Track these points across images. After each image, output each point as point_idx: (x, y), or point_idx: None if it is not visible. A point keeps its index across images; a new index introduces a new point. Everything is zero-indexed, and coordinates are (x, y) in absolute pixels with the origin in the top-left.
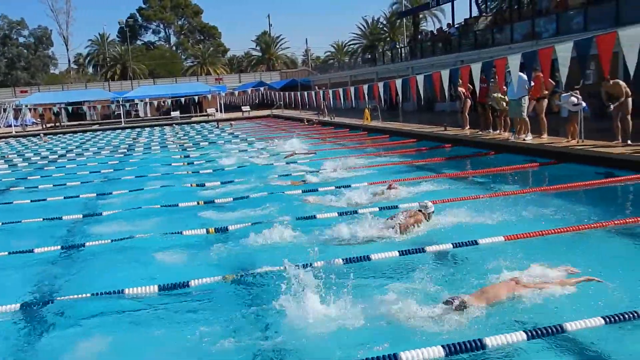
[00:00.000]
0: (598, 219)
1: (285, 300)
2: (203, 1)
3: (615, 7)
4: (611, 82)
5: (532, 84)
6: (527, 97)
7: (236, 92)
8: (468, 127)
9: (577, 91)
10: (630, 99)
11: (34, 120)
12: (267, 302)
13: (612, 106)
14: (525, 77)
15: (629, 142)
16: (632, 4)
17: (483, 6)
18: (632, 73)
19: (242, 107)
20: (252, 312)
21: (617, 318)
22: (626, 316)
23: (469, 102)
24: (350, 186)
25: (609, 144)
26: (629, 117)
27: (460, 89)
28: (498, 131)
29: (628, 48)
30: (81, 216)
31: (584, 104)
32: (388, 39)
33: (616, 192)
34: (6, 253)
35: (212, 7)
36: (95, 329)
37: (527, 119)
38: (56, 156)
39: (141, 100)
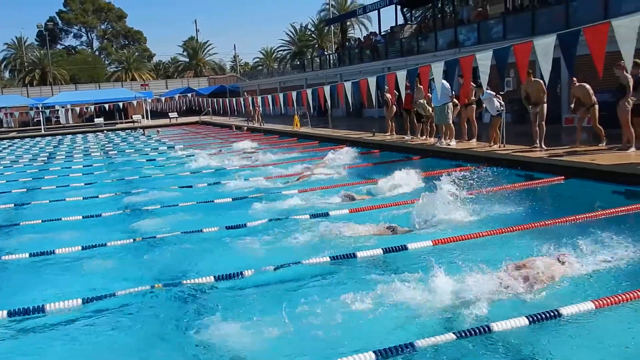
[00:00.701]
0: (523, 221)
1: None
2: (127, 5)
3: (531, 18)
4: (532, 79)
5: (453, 92)
6: (450, 104)
7: (163, 99)
8: (393, 133)
9: (500, 97)
10: (545, 105)
11: None
12: (196, 312)
13: (531, 110)
14: (447, 84)
15: (544, 146)
16: (547, 15)
17: (408, 15)
18: (546, 81)
19: (170, 114)
20: (182, 321)
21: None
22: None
23: (394, 108)
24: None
25: (529, 147)
26: (543, 122)
27: (387, 95)
28: (424, 137)
29: (542, 57)
30: None
31: (502, 109)
32: (316, 45)
33: (537, 194)
34: None
35: (137, 11)
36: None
37: (452, 125)
38: None
39: (62, 107)
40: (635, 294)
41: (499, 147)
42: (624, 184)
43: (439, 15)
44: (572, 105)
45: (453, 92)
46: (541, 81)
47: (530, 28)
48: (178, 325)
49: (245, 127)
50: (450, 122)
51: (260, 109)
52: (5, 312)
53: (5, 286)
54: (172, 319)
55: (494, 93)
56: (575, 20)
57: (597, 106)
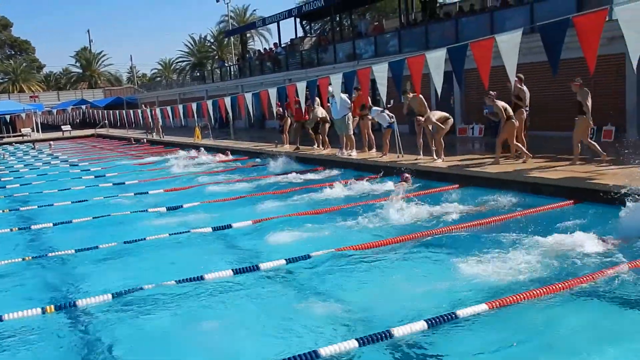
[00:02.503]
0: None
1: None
2: (12, 14)
3: (424, 32)
4: (410, 95)
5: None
6: (350, 115)
7: (54, 111)
8: (288, 145)
9: (388, 109)
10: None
11: None
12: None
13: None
14: (345, 97)
15: (443, 157)
16: (438, 30)
17: (307, 27)
18: (439, 92)
19: (62, 127)
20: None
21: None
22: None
23: (289, 120)
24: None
25: (424, 158)
26: (438, 135)
27: (278, 108)
28: (320, 147)
29: (434, 69)
30: None
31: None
32: (216, 57)
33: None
34: None
35: (24, 20)
36: None
37: (352, 136)
38: None
39: None
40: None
41: (398, 157)
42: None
43: (338, 29)
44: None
45: (351, 104)
46: (421, 96)
47: (424, 42)
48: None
49: (145, 140)
50: (351, 133)
51: (160, 120)
52: None
53: None
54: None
55: (380, 109)
56: (463, 35)
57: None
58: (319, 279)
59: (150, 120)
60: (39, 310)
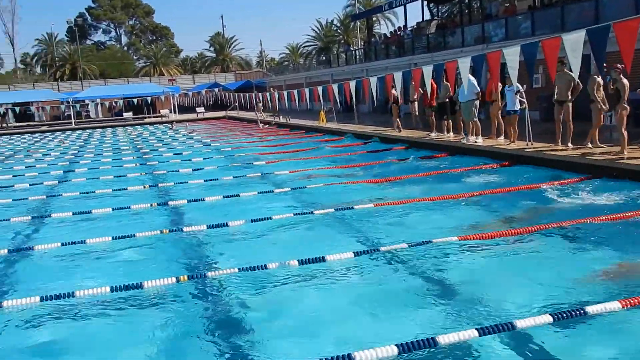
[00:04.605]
0: (551, 220)
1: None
2: (154, 1)
3: (560, 13)
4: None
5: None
6: (477, 101)
7: (190, 94)
8: (400, 130)
9: (523, 93)
10: (570, 104)
11: None
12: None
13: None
14: (474, 80)
15: (570, 145)
16: (576, 11)
17: (434, 10)
18: (576, 77)
19: (197, 109)
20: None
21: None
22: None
23: (395, 107)
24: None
25: (554, 146)
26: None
27: (393, 92)
28: (450, 133)
29: (571, 52)
30: (30, 218)
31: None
32: (342, 41)
33: (565, 194)
34: None
35: (164, 7)
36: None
37: (478, 121)
38: (3, 157)
39: (92, 101)
40: None
41: (527, 144)
42: None
43: (466, 11)
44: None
45: (479, 89)
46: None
47: (559, 24)
48: (204, 320)
49: (274, 122)
50: (476, 118)
51: (285, 103)
52: (38, 297)
53: (37, 274)
54: (198, 313)
55: (519, 88)
56: (604, 16)
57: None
58: (441, 265)
59: (277, 103)
60: (174, 279)
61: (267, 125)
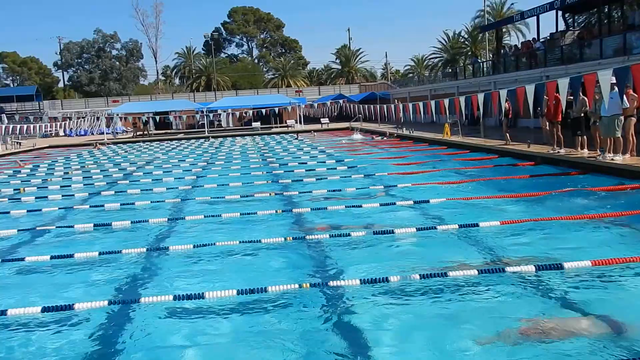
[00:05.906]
0: None
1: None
2: (285, 15)
3: None
4: None
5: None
6: (622, 116)
7: (315, 105)
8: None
9: None
10: None
11: (124, 129)
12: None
13: None
14: (618, 94)
15: None
16: None
17: (570, 20)
18: None
19: (321, 119)
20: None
21: None
22: None
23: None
24: (429, 201)
25: None
26: None
27: (506, 104)
28: (583, 150)
29: None
30: (166, 220)
31: None
32: (469, 53)
33: None
34: (97, 254)
35: (294, 21)
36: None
37: (621, 138)
38: (144, 163)
39: (224, 111)
40: None
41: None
42: None
43: (605, 21)
44: None
45: (627, 104)
46: None
47: None
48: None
49: (395, 134)
50: (619, 135)
51: (410, 115)
52: (171, 296)
53: (169, 273)
54: (314, 319)
55: None
56: None
57: None
58: (574, 291)
59: (401, 115)
60: (296, 285)
61: (390, 137)
